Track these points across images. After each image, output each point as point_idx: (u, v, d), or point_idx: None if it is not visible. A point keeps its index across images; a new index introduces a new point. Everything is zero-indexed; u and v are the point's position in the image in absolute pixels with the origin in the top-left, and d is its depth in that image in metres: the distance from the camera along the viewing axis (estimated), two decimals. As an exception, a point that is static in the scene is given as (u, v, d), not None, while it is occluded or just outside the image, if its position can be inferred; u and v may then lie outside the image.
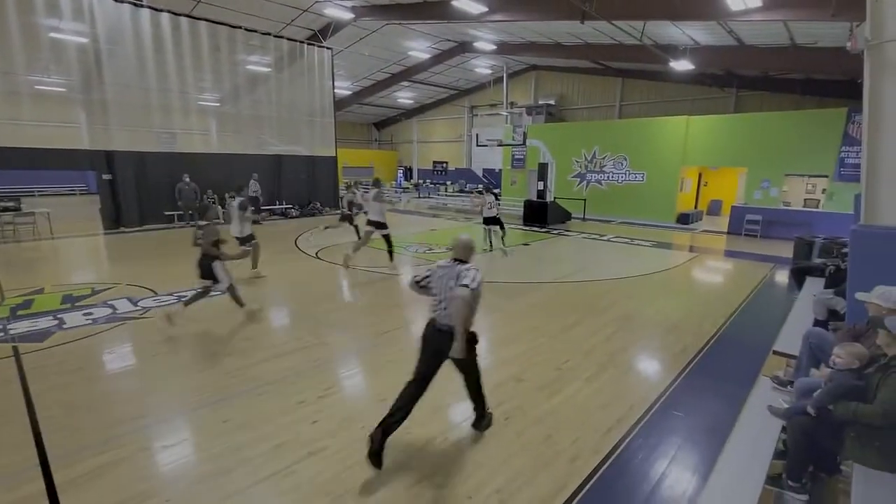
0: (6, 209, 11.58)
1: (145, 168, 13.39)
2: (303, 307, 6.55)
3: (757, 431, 3.00)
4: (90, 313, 6.00)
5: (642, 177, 17.61)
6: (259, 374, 4.34)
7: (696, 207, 18.62)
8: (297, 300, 6.94)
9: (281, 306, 6.79)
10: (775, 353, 4.20)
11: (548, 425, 3.57)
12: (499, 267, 9.54)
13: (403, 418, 3.07)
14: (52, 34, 11.80)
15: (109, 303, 6.42)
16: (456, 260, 3.20)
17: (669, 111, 19.63)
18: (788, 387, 3.55)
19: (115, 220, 12.92)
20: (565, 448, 3.28)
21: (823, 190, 15.56)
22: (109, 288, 7.15)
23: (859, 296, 3.23)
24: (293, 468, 3.01)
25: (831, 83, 15.73)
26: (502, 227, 11.17)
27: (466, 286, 2.95)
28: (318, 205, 17.44)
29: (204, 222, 5.73)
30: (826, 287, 5.83)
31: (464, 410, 3.84)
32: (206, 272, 5.52)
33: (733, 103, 18.52)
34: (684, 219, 16.40)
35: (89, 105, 12.57)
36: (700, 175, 19.12)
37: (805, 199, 16.93)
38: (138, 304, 6.42)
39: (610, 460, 3.15)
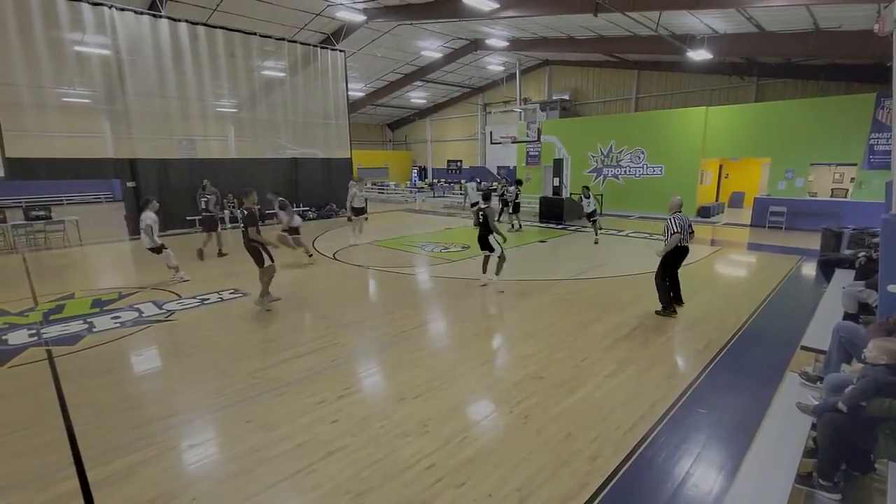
0: (38, 218, 12.06)
1: (167, 175, 13.76)
2: (321, 308, 6.63)
3: (785, 429, 2.91)
4: (118, 317, 6.19)
5: (661, 170, 17.27)
6: (279, 375, 4.42)
7: (717, 200, 18.19)
8: (316, 301, 7.03)
9: (299, 308, 6.89)
10: (803, 348, 4.08)
11: (568, 423, 3.54)
12: (516, 263, 9.48)
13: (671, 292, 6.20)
14: (77, 47, 12.22)
15: (136, 306, 6.62)
16: (677, 212, 6.06)
17: (688, 102, 19.22)
18: (818, 383, 3.44)
19: (139, 226, 13.27)
20: (586, 446, 3.24)
21: (852, 179, 15.03)
22: (136, 292, 7.38)
23: (892, 288, 3.11)
24: (314, 467, 3.05)
25: (858, 68, 15.16)
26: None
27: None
28: (335, 206, 17.62)
29: (484, 205, 6.96)
30: (856, 279, 5.64)
31: (482, 410, 3.84)
32: (485, 244, 7.06)
33: (754, 92, 18.00)
34: (705, 212, 16.04)
35: (113, 115, 12.98)
36: (721, 167, 18.66)
37: (832, 189, 16.38)
38: (163, 307, 6.60)
39: (633, 458, 3.11)
